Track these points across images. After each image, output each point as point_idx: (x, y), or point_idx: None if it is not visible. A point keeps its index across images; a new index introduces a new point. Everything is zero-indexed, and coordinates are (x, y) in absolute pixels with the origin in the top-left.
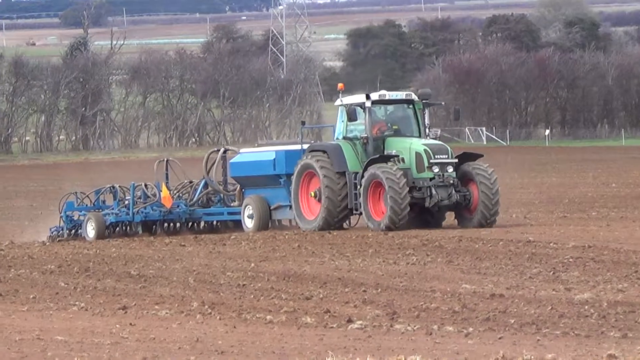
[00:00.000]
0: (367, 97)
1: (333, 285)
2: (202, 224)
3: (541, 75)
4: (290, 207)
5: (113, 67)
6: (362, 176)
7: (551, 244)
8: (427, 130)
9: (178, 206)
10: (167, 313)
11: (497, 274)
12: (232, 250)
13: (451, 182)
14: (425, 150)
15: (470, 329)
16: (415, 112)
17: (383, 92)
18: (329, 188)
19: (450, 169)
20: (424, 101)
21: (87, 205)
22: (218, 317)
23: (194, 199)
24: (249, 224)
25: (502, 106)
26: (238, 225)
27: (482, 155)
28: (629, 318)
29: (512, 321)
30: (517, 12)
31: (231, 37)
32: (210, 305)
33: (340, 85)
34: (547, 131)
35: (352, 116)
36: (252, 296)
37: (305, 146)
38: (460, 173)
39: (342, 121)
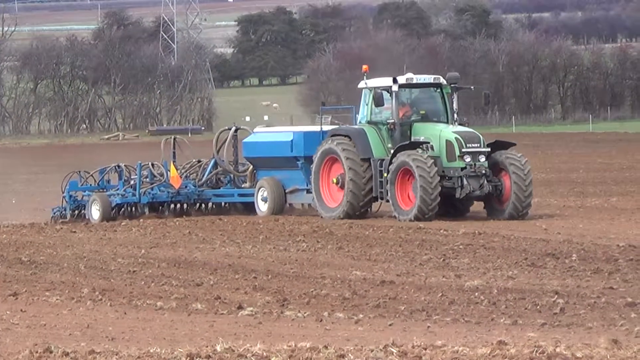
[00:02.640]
0: (394, 81)
1: (223, 271)
2: (209, 204)
3: (432, 62)
4: (308, 190)
5: (4, 53)
6: (390, 163)
7: (441, 231)
8: (455, 115)
9: (186, 187)
10: (57, 299)
11: (388, 261)
12: (123, 237)
13: (483, 172)
14: (456, 138)
15: (361, 316)
16: (443, 97)
17: (410, 75)
18: (353, 175)
19: (483, 159)
20: (452, 85)
21: (90, 185)
22: (109, 304)
23: (203, 180)
24: (262, 207)
25: None
26: (248, 207)
27: (514, 144)
28: (519, 305)
29: (403, 308)
30: None
31: (122, 23)
32: (101, 292)
33: (364, 67)
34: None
35: (379, 101)
36: (143, 282)
37: (325, 128)
38: (491, 162)
39: (367, 104)
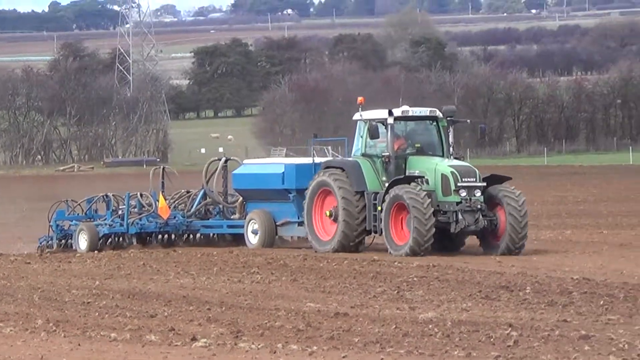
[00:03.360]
0: (390, 113)
1: (178, 303)
2: (197, 235)
3: (388, 94)
4: (299, 223)
5: None
6: (384, 198)
7: (395, 263)
8: (451, 149)
9: (175, 217)
10: (11, 330)
11: (342, 293)
12: (78, 268)
13: (478, 207)
14: (452, 172)
15: (315, 348)
16: (439, 130)
17: (406, 107)
18: (346, 205)
19: (478, 193)
20: (448, 118)
21: (78, 214)
22: (63, 335)
23: (192, 210)
24: (252, 239)
25: (349, 125)
26: (237, 238)
27: (510, 178)
28: (473, 337)
29: (357, 340)
30: (363, 31)
31: (78, 55)
32: (55, 323)
33: (360, 99)
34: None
35: (374, 134)
36: (97, 314)
37: (317, 160)
38: (486, 196)
39: (361, 137)
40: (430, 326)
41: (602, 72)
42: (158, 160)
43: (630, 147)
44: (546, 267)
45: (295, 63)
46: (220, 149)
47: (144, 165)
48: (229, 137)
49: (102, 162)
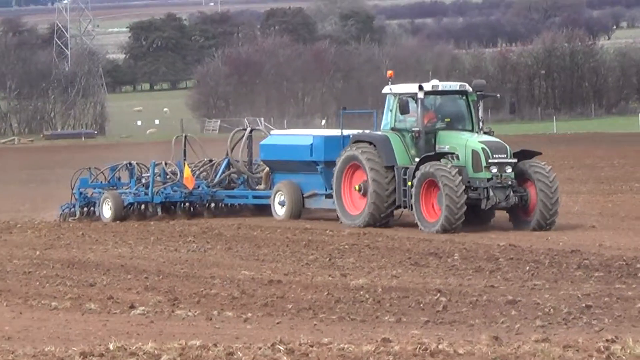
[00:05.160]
0: (420, 88)
1: (116, 272)
2: (221, 205)
3: (318, 67)
4: (327, 195)
5: None
6: (414, 174)
7: (327, 231)
8: (480, 123)
9: (199, 187)
10: None
11: (275, 261)
12: (18, 239)
13: (509, 183)
14: (483, 148)
15: (249, 314)
16: (468, 104)
17: (436, 82)
18: (377, 183)
19: (509, 169)
20: (478, 93)
21: (101, 182)
22: (5, 304)
23: (216, 180)
24: (279, 211)
25: (280, 97)
26: (261, 208)
27: (540, 153)
28: (403, 303)
29: (290, 306)
30: (294, 5)
31: (17, 30)
32: None
33: (389, 72)
34: (324, 121)
35: (404, 108)
36: (38, 283)
37: (345, 132)
38: (516, 171)
39: (391, 111)
40: (361, 292)
41: (526, 44)
42: (96, 132)
43: (554, 117)
44: (473, 234)
45: (229, 37)
46: (157, 121)
47: (82, 138)
48: (165, 109)
49: (41, 135)
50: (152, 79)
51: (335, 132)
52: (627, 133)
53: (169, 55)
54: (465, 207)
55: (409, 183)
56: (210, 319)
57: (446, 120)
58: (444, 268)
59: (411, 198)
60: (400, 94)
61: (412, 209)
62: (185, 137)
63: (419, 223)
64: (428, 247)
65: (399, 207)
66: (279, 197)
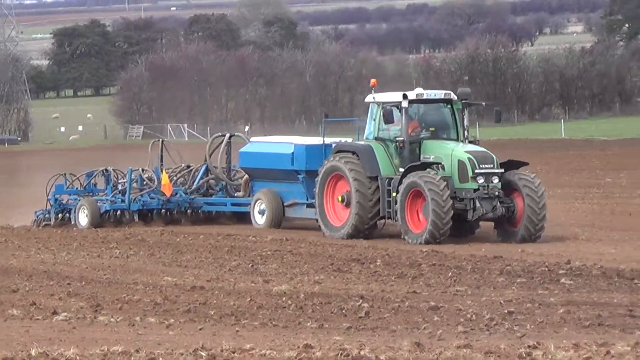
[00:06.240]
0: (404, 97)
1: (39, 278)
2: (199, 212)
3: (241, 73)
4: (308, 205)
5: None
6: (400, 183)
7: (250, 238)
8: (465, 133)
9: (177, 193)
10: None
11: (198, 267)
12: None
13: (496, 193)
14: (469, 158)
15: (172, 320)
16: (453, 113)
17: (420, 90)
18: (360, 193)
19: (496, 180)
20: (463, 101)
21: (77, 188)
22: None
23: (194, 187)
24: (259, 220)
25: (203, 103)
26: (239, 215)
27: (527, 163)
28: (325, 309)
29: (212, 312)
30: (217, 12)
31: None
32: None
33: (373, 81)
34: (247, 127)
35: (388, 118)
36: None
37: (327, 141)
38: (503, 182)
39: (374, 120)
40: (283, 299)
41: (449, 50)
42: (19, 139)
43: (477, 122)
44: (396, 240)
45: (152, 43)
46: (80, 127)
47: (6, 144)
48: (88, 115)
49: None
50: (76, 85)
51: (317, 140)
52: (550, 139)
53: (92, 61)
54: (452, 218)
55: (394, 194)
56: (133, 325)
57: (431, 129)
58: (367, 274)
59: (396, 208)
60: (383, 103)
61: (396, 219)
62: (162, 141)
63: (404, 234)
64: (351, 253)
65: (382, 217)
66: (259, 206)
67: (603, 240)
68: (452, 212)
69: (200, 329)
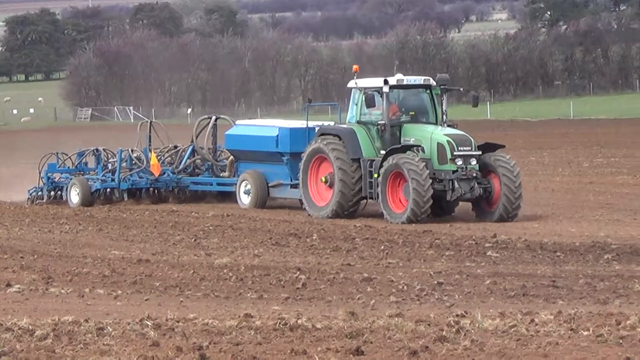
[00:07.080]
0: (385, 82)
1: None
2: (186, 191)
3: (183, 58)
4: (292, 186)
5: None
6: (381, 165)
7: (193, 214)
8: (444, 117)
9: (165, 173)
10: None
11: (144, 241)
12: None
13: (474, 175)
14: (448, 141)
15: (119, 292)
16: (432, 98)
17: (400, 76)
18: (343, 175)
19: (474, 162)
20: (442, 87)
21: (68, 167)
22: None
23: (181, 166)
24: (245, 200)
25: (148, 87)
26: (224, 195)
27: (503, 146)
28: (264, 280)
29: (158, 284)
30: (161, 0)
31: None
32: None
33: (355, 67)
34: (189, 110)
35: (370, 102)
36: None
37: (311, 124)
38: (480, 164)
39: (356, 104)
40: (225, 271)
41: (380, 37)
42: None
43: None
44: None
45: (99, 31)
46: (31, 110)
47: None
48: (39, 99)
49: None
50: (27, 70)
51: (301, 123)
52: (478, 120)
53: (43, 47)
54: (432, 199)
55: (375, 175)
56: (82, 296)
57: (411, 113)
58: (304, 248)
59: (377, 189)
60: (365, 88)
61: (378, 199)
62: (151, 122)
63: (385, 214)
64: (288, 228)
65: (364, 198)
66: (244, 186)
67: (527, 215)
68: (432, 192)
69: (146, 300)
